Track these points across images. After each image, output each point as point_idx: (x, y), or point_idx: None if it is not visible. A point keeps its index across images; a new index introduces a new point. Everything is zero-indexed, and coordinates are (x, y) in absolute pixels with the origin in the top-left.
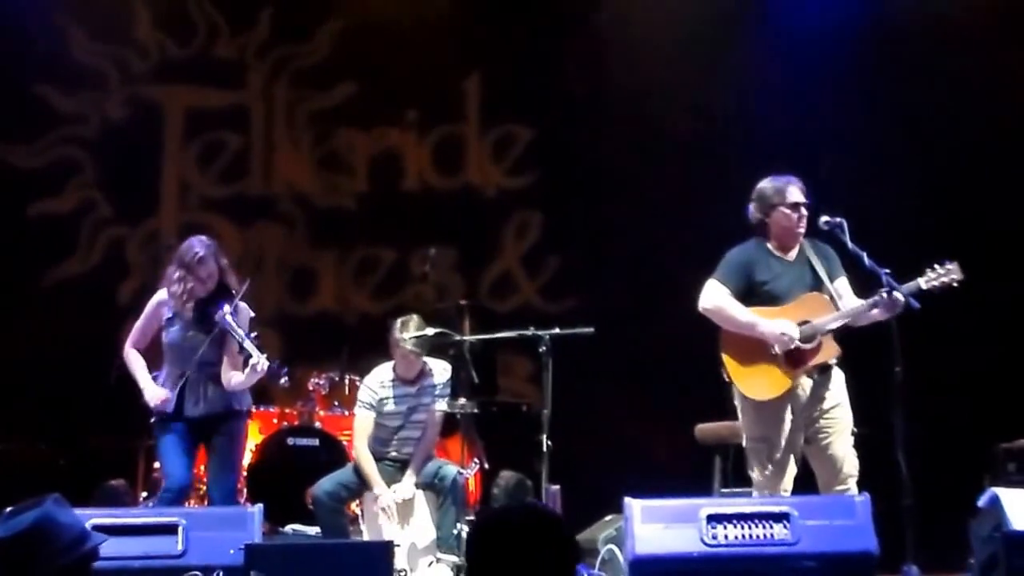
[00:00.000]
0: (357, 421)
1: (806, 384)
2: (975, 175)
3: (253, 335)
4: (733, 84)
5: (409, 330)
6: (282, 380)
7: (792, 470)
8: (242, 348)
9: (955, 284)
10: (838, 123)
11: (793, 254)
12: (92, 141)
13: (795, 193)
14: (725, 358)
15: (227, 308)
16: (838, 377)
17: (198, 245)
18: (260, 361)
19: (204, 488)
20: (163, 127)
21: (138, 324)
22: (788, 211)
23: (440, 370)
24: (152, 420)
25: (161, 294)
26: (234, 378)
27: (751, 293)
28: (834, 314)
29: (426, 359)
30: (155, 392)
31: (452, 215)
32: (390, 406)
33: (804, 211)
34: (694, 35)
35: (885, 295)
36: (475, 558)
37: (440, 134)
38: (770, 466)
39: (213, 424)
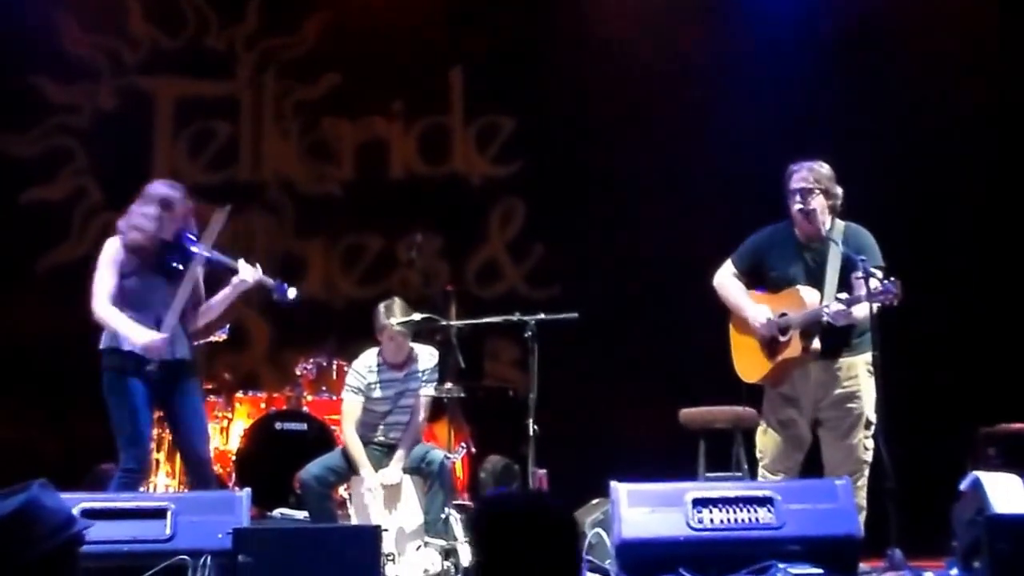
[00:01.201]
0: (345, 405)
1: (812, 371)
2: (951, 154)
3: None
4: (714, 72)
5: (394, 313)
6: (289, 295)
7: (797, 452)
8: (230, 269)
9: (894, 303)
10: (826, 108)
11: (813, 241)
12: (84, 130)
13: (795, 179)
14: (730, 331)
15: (201, 245)
16: (858, 367)
17: (166, 187)
18: (248, 270)
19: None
20: (154, 117)
21: (104, 278)
22: (789, 198)
23: (426, 355)
24: (108, 371)
25: (116, 241)
26: (214, 318)
27: (760, 276)
28: (803, 312)
29: (412, 344)
30: (148, 334)
31: (438, 203)
32: (378, 391)
33: (801, 199)
34: (673, 24)
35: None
36: (486, 544)
37: (425, 124)
38: (771, 447)
39: (183, 373)
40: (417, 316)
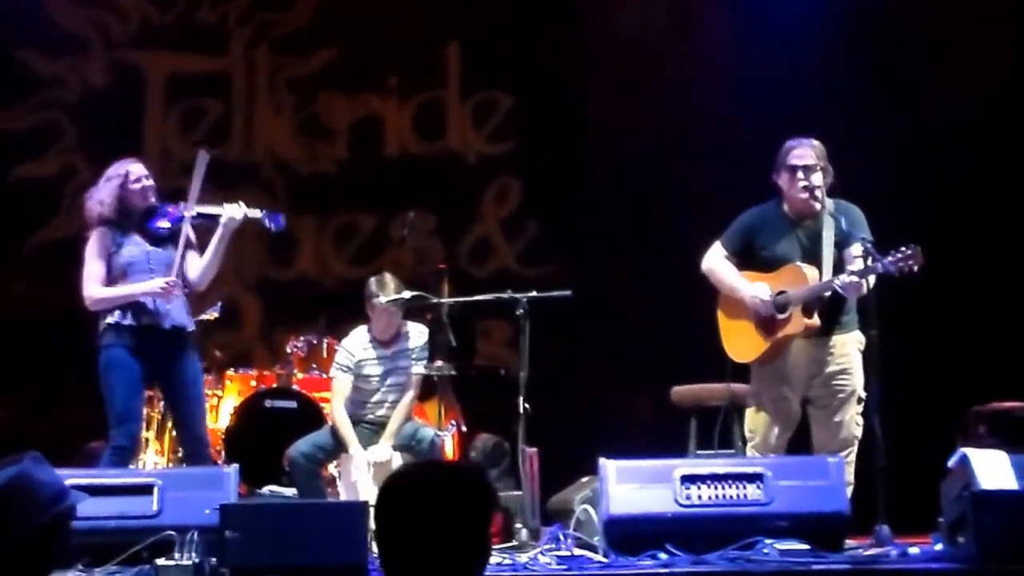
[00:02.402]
0: (335, 383)
1: (804, 348)
2: (954, 140)
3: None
4: (716, 51)
5: (386, 287)
6: (281, 221)
7: (787, 431)
8: (216, 216)
9: (915, 270)
10: (821, 88)
11: (806, 218)
12: (74, 106)
13: (797, 156)
14: (718, 315)
15: (183, 204)
16: (849, 344)
17: (123, 161)
18: (231, 207)
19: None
20: (145, 92)
21: (93, 266)
22: (787, 174)
23: (417, 333)
24: (105, 348)
25: (91, 231)
26: (207, 267)
27: (752, 256)
28: (807, 287)
29: (405, 322)
30: (153, 281)
31: (432, 181)
32: (367, 368)
33: (804, 175)
34: (676, 2)
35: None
36: (379, 519)
37: (421, 100)
38: (762, 425)
39: (178, 343)
40: (408, 294)
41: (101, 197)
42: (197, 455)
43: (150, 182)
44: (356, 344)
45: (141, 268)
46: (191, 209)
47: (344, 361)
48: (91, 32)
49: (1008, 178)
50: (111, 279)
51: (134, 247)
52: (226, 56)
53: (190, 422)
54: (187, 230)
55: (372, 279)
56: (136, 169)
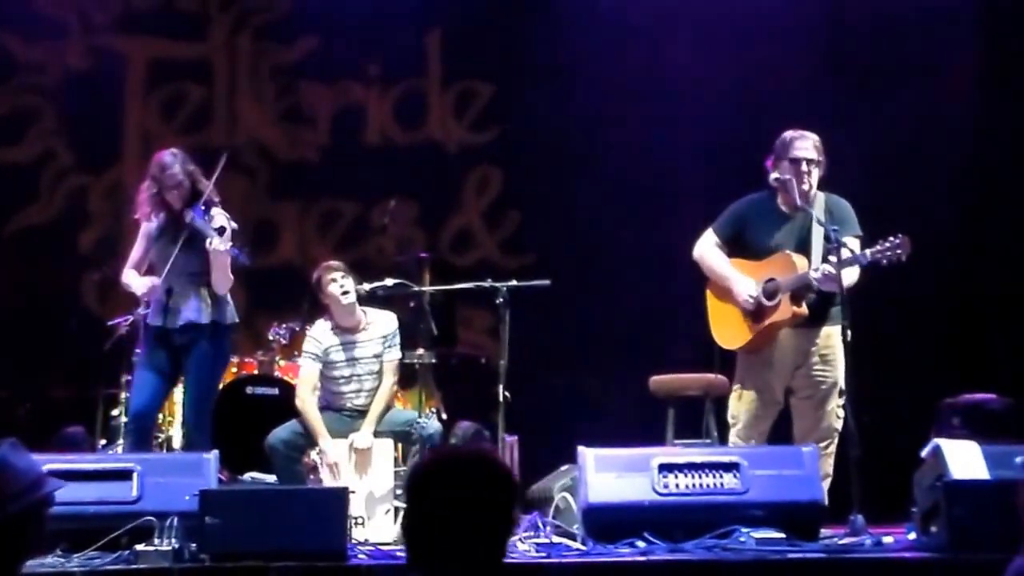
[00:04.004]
0: (301, 371)
1: (791, 338)
2: (925, 135)
3: (239, 245)
4: (698, 43)
5: (334, 278)
6: (244, 260)
7: (769, 418)
8: (206, 236)
9: (903, 259)
10: (795, 82)
11: (797, 210)
12: (53, 90)
13: (799, 148)
14: (708, 301)
15: (202, 208)
16: (834, 336)
17: (166, 155)
18: (213, 240)
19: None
20: (125, 78)
21: (133, 250)
22: (788, 165)
23: (385, 320)
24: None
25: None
26: (214, 279)
27: (743, 246)
28: (796, 275)
29: (369, 309)
30: (144, 282)
31: (414, 169)
32: (333, 355)
33: (806, 168)
34: None
35: (829, 264)
36: (416, 500)
37: (402, 89)
38: (744, 412)
39: (194, 337)
40: (390, 281)
41: (139, 200)
42: (185, 439)
43: (181, 184)
44: (322, 331)
45: (158, 268)
46: (192, 217)
47: (312, 349)
48: (71, 16)
49: (982, 172)
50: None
51: (159, 245)
52: (208, 42)
53: (185, 409)
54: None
55: (313, 273)
56: (169, 166)
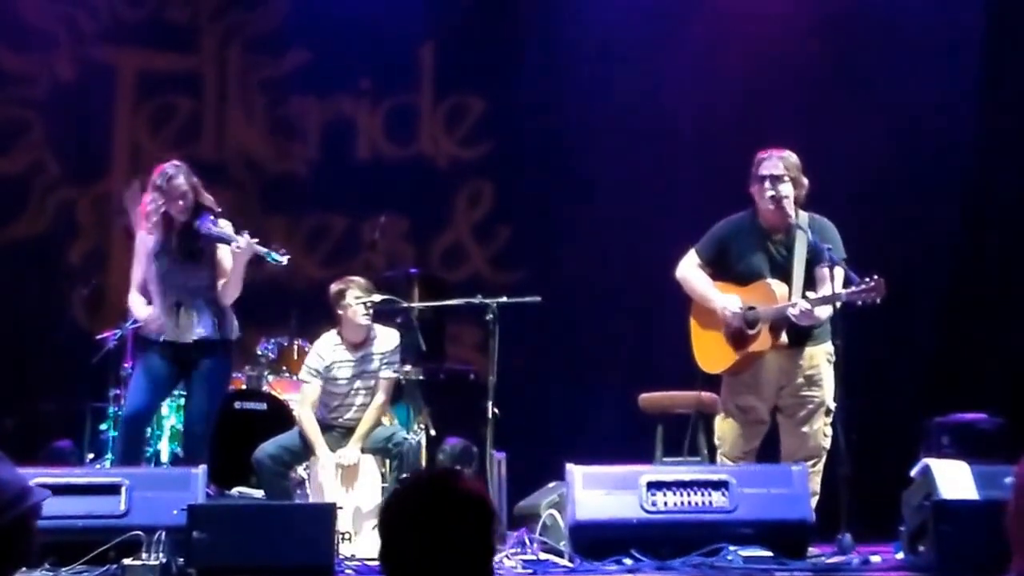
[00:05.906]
0: (303, 388)
1: (775, 359)
2: (921, 143)
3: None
4: (688, 56)
5: (356, 287)
6: (279, 256)
7: (755, 439)
8: (229, 242)
9: (876, 302)
10: (793, 92)
11: (778, 231)
12: (41, 102)
13: (765, 166)
14: (691, 324)
15: (210, 218)
16: (819, 356)
17: (169, 167)
18: (240, 240)
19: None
20: (114, 89)
21: (134, 270)
22: (757, 184)
23: (386, 336)
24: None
25: (141, 233)
26: (227, 287)
27: (725, 267)
28: (775, 307)
29: (376, 326)
30: (144, 310)
31: (404, 184)
32: (336, 371)
33: (771, 185)
34: (648, 7)
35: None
36: (386, 530)
37: (393, 103)
38: (731, 433)
39: (203, 352)
40: (379, 297)
41: (145, 213)
42: (189, 451)
43: (185, 195)
44: (326, 347)
45: (162, 284)
46: (206, 228)
47: (315, 365)
48: (60, 28)
49: (977, 183)
50: (140, 286)
51: (162, 261)
52: (197, 54)
53: (192, 421)
54: (212, 247)
55: (335, 284)
56: (174, 177)
